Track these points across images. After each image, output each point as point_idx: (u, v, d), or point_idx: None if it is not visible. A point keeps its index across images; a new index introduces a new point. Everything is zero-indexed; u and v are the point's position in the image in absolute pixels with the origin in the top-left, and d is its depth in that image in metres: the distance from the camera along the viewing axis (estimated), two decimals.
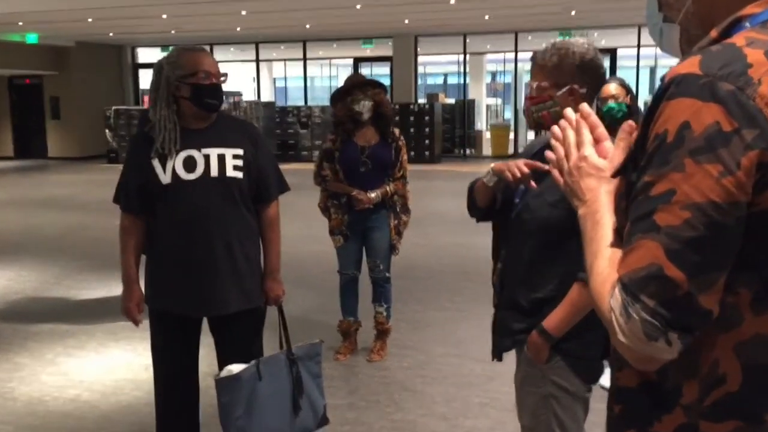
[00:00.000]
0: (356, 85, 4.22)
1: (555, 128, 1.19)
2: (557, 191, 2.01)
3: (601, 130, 1.16)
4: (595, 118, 1.17)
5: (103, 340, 4.84)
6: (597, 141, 1.15)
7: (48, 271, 6.85)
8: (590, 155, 1.14)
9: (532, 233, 2.10)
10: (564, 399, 2.08)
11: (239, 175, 2.71)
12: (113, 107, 17.84)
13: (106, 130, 17.72)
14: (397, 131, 4.32)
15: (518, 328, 2.14)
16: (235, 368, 2.72)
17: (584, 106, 1.19)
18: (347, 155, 4.23)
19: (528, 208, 2.12)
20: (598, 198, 1.11)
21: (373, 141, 4.24)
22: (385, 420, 3.60)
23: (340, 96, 4.26)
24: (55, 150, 19.04)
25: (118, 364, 4.41)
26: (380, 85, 4.28)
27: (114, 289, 6.08)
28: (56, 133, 19.06)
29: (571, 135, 1.17)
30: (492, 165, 2.17)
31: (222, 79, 2.73)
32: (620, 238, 1.02)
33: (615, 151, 1.15)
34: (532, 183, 2.03)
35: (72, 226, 9.33)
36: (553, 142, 1.20)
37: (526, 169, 2.02)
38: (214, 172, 2.67)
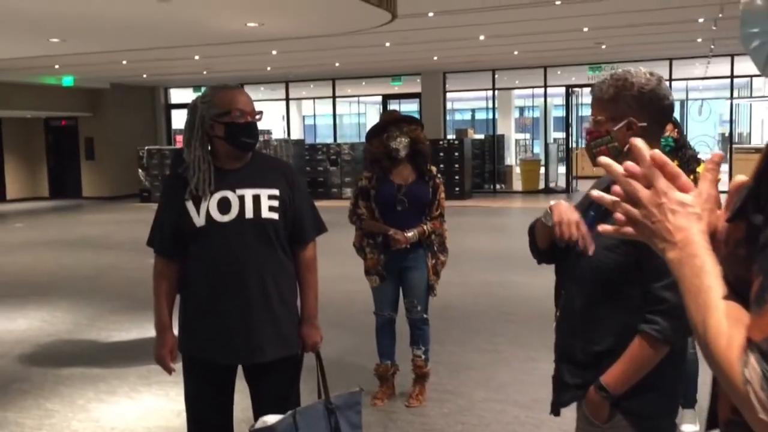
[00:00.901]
0: (392, 121, 4.15)
1: (629, 164, 1.04)
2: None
3: (684, 180, 1.00)
4: (673, 167, 1.00)
5: (136, 384, 4.75)
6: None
7: (81, 312, 6.82)
8: (670, 189, 0.98)
9: (586, 279, 1.96)
10: None
11: (275, 216, 2.61)
12: (146, 147, 18.09)
13: (139, 170, 17.95)
14: (434, 169, 4.22)
15: (575, 382, 1.99)
16: (271, 419, 2.59)
17: (656, 153, 1.00)
18: (383, 193, 4.14)
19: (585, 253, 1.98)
20: (692, 240, 0.96)
21: (410, 179, 4.14)
22: None
23: (375, 133, 4.18)
24: (89, 190, 19.30)
25: (151, 410, 4.31)
26: (416, 122, 4.20)
27: (147, 330, 6.01)
28: (90, 173, 19.34)
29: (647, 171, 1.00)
30: (551, 203, 2.04)
31: (257, 117, 2.66)
32: (732, 289, 0.90)
33: (702, 185, 1.02)
34: (589, 250, 1.89)
35: (105, 266, 9.35)
36: (622, 178, 1.02)
37: (576, 234, 1.89)
38: (249, 213, 2.58)
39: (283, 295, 2.66)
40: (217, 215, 2.56)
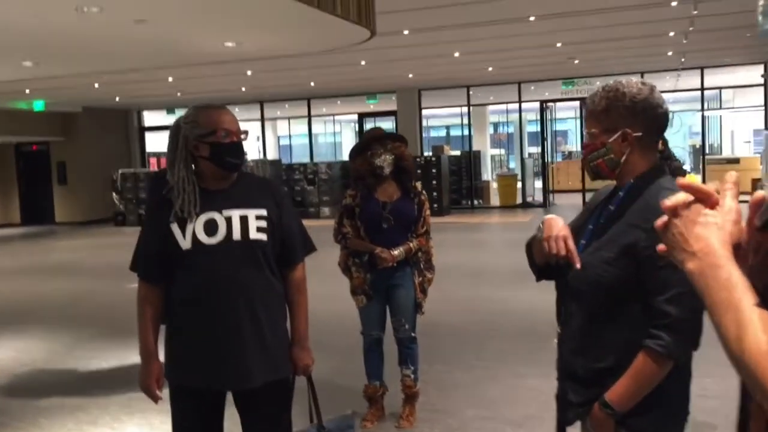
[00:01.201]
0: (376, 138, 4.10)
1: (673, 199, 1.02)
2: (615, 247, 1.85)
3: (715, 199, 0.99)
4: (703, 189, 0.98)
5: (117, 414, 4.61)
6: None
7: (58, 340, 6.65)
8: (696, 206, 0.98)
9: (586, 295, 1.92)
10: None
11: (263, 237, 2.55)
12: (120, 170, 17.88)
13: (113, 193, 17.72)
14: (419, 185, 4.19)
15: (579, 400, 1.94)
16: None
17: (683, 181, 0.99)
18: (368, 211, 4.08)
19: (583, 266, 1.93)
20: (713, 250, 0.93)
21: (395, 196, 4.10)
22: None
23: (359, 150, 4.14)
24: (62, 215, 19.01)
25: None
26: (401, 139, 4.16)
27: (127, 357, 5.87)
28: (63, 198, 19.06)
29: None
30: (545, 217, 2.01)
31: (243, 136, 2.60)
32: (762, 299, 0.87)
33: (724, 198, 0.99)
34: (577, 264, 1.87)
35: (81, 292, 9.16)
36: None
37: (563, 249, 1.87)
38: (236, 235, 2.51)
39: (272, 318, 2.59)
40: (203, 237, 2.49)
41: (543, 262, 2.06)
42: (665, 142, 3.68)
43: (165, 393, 2.62)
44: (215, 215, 2.52)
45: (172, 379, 2.59)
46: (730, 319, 0.88)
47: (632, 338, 1.81)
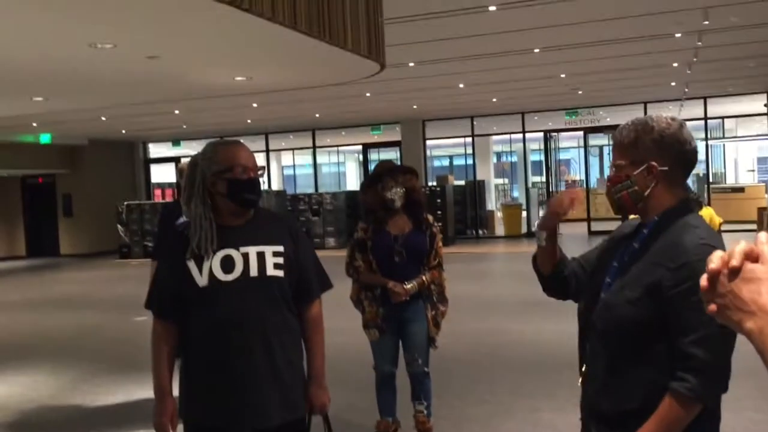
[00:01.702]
0: (386, 171, 4.09)
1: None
2: (639, 287, 1.82)
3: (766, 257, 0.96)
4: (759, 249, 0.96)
5: None
6: None
7: (64, 375, 6.59)
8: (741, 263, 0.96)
9: (610, 334, 1.88)
10: None
11: (280, 273, 2.52)
12: (125, 202, 17.91)
13: (118, 225, 17.72)
14: (431, 218, 4.17)
15: None
16: None
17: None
18: (380, 244, 4.06)
19: (606, 305, 1.91)
20: None
21: (406, 228, 4.08)
22: None
23: (370, 183, 4.13)
24: (67, 247, 19.00)
25: None
26: (411, 171, 4.15)
27: (134, 393, 5.81)
28: (68, 230, 19.06)
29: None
30: (535, 223, 2.02)
31: (260, 172, 2.59)
32: None
33: (765, 254, 0.96)
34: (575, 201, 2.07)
35: (87, 326, 9.10)
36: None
37: (569, 204, 2.07)
38: (253, 271, 2.49)
39: (288, 356, 2.55)
40: (220, 274, 2.47)
41: (549, 270, 2.05)
42: None
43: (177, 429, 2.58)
44: (232, 252, 2.50)
45: (188, 418, 2.55)
46: None
47: (658, 380, 1.77)
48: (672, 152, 1.87)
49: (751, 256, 0.96)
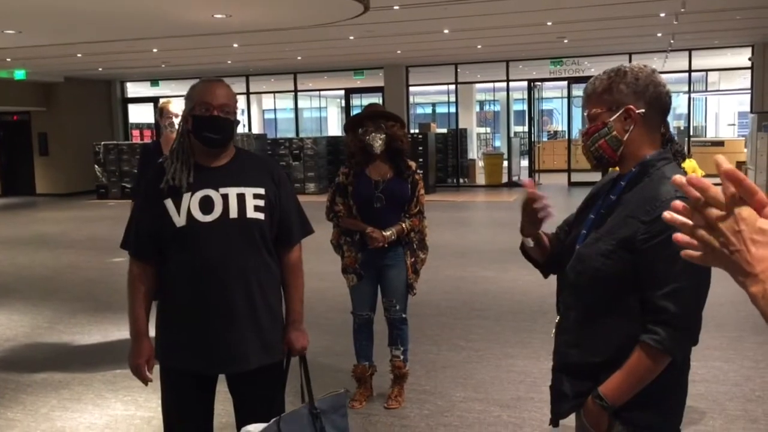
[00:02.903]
0: (371, 115, 4.02)
1: (693, 177, 0.93)
2: (612, 240, 1.80)
3: (760, 197, 0.89)
4: (750, 183, 0.89)
5: (101, 390, 4.55)
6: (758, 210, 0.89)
7: (40, 315, 6.56)
8: (750, 216, 0.88)
9: (583, 287, 1.87)
10: None
11: (261, 216, 2.48)
12: (102, 142, 17.63)
13: (95, 166, 17.48)
14: (413, 164, 4.12)
15: (573, 392, 1.90)
16: (254, 428, 2.48)
17: (730, 169, 0.87)
18: (360, 190, 4.02)
19: (580, 257, 1.89)
20: None
21: (387, 175, 4.03)
22: None
23: (351, 126, 4.06)
24: (43, 187, 18.74)
25: (119, 418, 4.13)
26: (395, 118, 4.07)
27: (110, 333, 5.80)
28: (44, 169, 18.77)
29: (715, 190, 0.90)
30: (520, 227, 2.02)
31: (227, 111, 2.46)
32: None
33: None
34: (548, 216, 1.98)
35: (63, 265, 9.04)
36: (698, 203, 0.91)
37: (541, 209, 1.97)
38: (233, 213, 2.44)
39: (267, 299, 2.53)
40: (198, 215, 2.42)
41: (544, 258, 2.03)
42: (666, 125, 3.63)
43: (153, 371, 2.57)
44: (211, 192, 2.45)
45: (164, 361, 2.53)
46: None
47: (629, 332, 1.77)
48: (648, 94, 1.83)
49: (753, 200, 0.88)
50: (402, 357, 4.18)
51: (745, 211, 0.88)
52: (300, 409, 2.61)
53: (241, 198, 2.46)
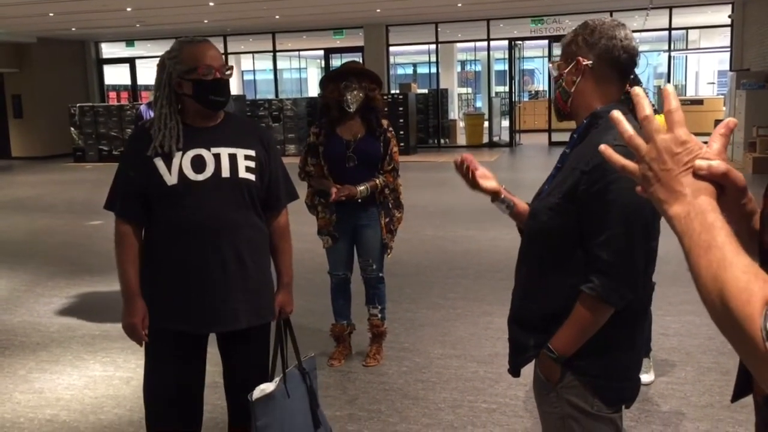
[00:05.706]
0: (352, 72, 3.96)
1: (636, 89, 0.96)
2: (559, 193, 1.81)
3: (678, 115, 0.94)
4: (679, 114, 0.94)
5: (79, 352, 4.55)
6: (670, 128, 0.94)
7: (17, 278, 6.51)
8: (667, 135, 0.92)
9: (533, 242, 1.90)
10: (584, 420, 1.84)
11: (252, 177, 2.46)
12: (78, 104, 17.34)
13: (71, 128, 17.22)
14: (385, 122, 4.08)
15: (528, 344, 1.92)
16: (267, 387, 2.51)
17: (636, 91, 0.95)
18: (331, 150, 3.98)
19: (532, 213, 1.92)
20: (701, 195, 0.90)
21: (359, 134, 3.99)
22: None
23: (333, 78, 3.99)
24: (18, 150, 18.46)
25: (98, 379, 4.13)
26: (377, 81, 4.02)
27: (88, 296, 5.78)
28: (19, 132, 18.47)
29: (655, 117, 0.95)
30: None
31: (227, 73, 2.47)
32: (743, 246, 0.85)
33: (715, 146, 0.94)
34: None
35: (40, 229, 8.95)
36: (626, 135, 0.96)
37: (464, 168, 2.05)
38: (225, 172, 2.42)
39: (258, 260, 2.53)
40: (191, 173, 2.39)
41: (522, 222, 2.04)
42: (636, 82, 3.63)
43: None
44: (203, 151, 2.43)
45: (154, 323, 2.49)
46: (710, 260, 0.84)
47: (577, 284, 1.78)
48: (599, 47, 1.82)
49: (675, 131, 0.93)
50: (380, 315, 4.21)
51: (663, 134, 0.93)
52: (292, 369, 2.64)
53: (233, 158, 2.44)
